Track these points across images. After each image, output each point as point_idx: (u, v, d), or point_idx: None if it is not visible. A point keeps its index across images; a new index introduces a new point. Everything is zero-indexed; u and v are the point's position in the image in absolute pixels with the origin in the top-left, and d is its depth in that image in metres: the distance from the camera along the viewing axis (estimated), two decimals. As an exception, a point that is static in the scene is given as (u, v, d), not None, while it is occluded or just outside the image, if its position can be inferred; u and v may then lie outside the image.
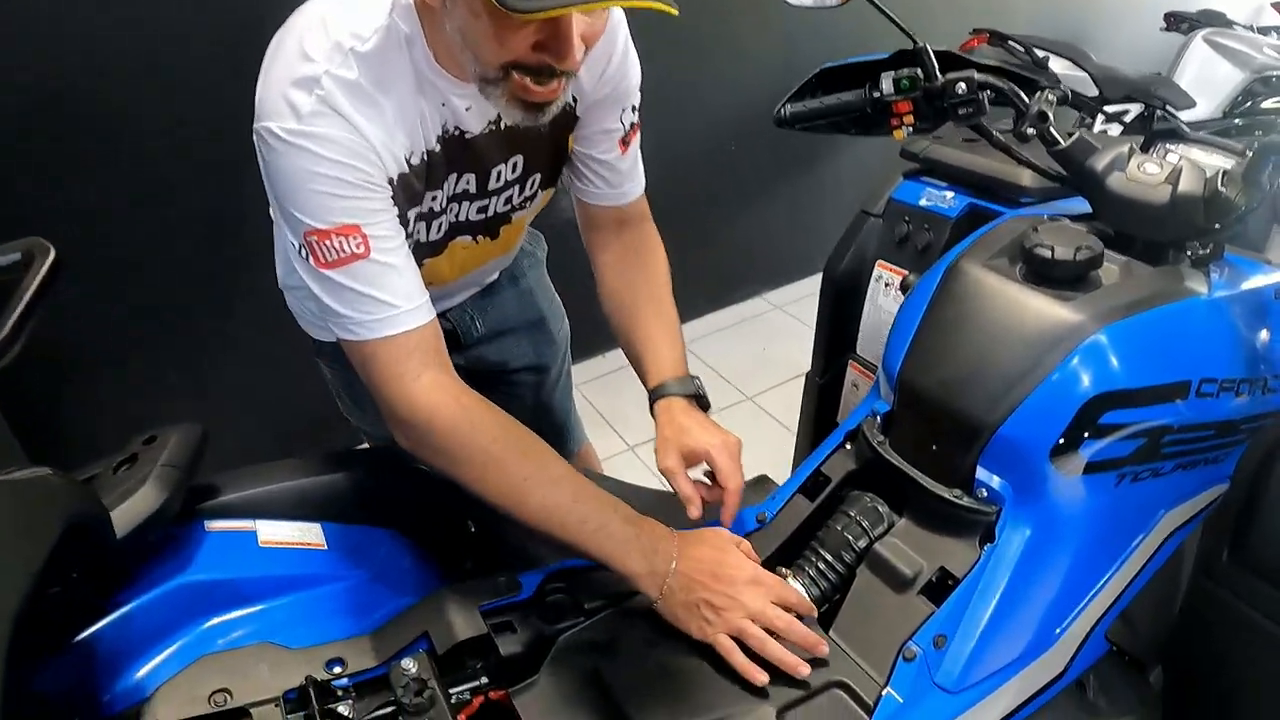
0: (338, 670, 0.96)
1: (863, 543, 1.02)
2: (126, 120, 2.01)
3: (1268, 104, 2.60)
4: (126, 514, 0.96)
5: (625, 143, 1.22)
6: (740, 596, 0.96)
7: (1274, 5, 3.29)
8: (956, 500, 0.97)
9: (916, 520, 1.01)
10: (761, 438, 2.58)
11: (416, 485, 1.15)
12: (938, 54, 1.12)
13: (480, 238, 1.24)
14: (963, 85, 1.08)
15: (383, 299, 0.97)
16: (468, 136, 1.07)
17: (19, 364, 2.08)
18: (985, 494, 0.97)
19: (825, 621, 1.00)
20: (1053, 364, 0.92)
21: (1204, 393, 0.97)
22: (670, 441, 1.14)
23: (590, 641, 1.01)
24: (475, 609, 1.00)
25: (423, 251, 1.16)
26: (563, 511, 1.00)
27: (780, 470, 1.21)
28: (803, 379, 1.84)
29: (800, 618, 0.98)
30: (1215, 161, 1.09)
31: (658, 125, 2.87)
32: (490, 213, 1.20)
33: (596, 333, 1.33)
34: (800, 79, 1.25)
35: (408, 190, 1.03)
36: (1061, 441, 0.92)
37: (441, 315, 1.39)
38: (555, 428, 1.73)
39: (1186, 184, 0.99)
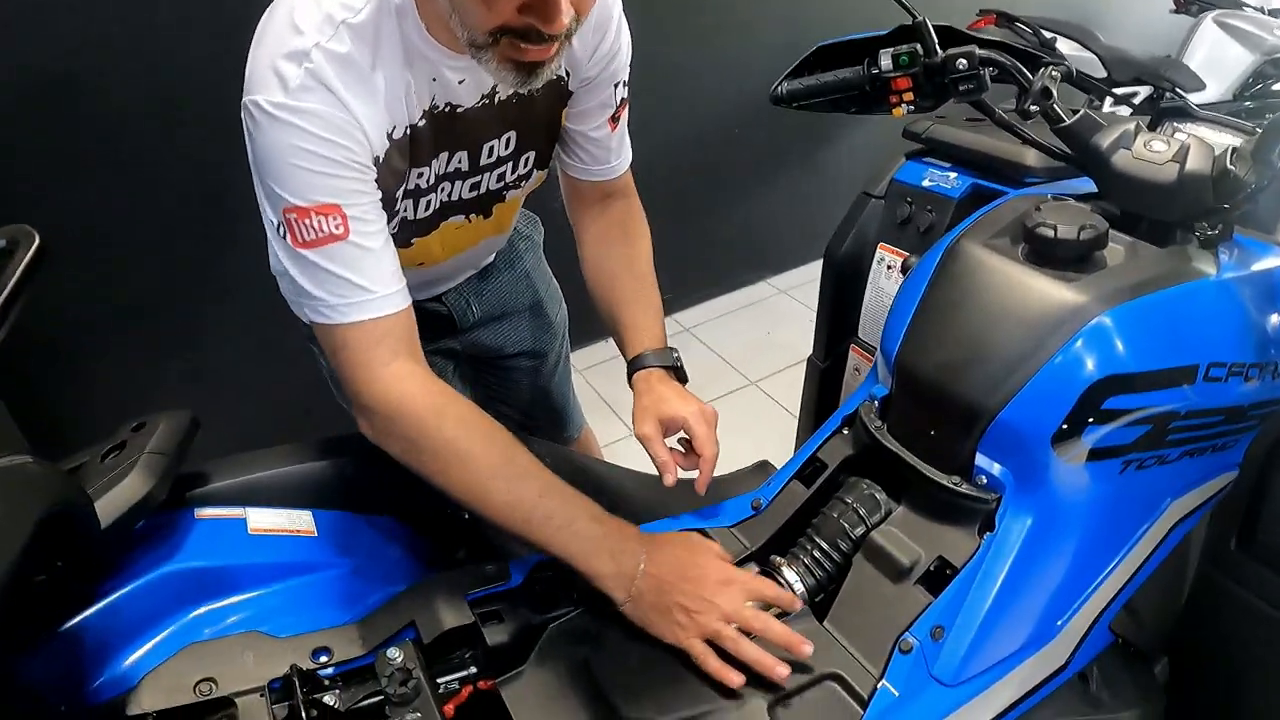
0: (324, 659, 0.96)
1: (859, 531, 1.00)
2: (123, 107, 1.99)
3: (1279, 86, 2.56)
4: (112, 502, 0.95)
5: (615, 119, 1.22)
6: (714, 598, 0.93)
7: None
8: (955, 487, 0.95)
9: (914, 508, 0.99)
10: (765, 423, 2.57)
11: (409, 472, 1.14)
12: (938, 29, 1.09)
13: (473, 216, 1.23)
14: (963, 61, 1.05)
15: (358, 283, 0.95)
16: (459, 110, 1.05)
17: (19, 351, 2.09)
18: (985, 481, 0.94)
19: (820, 611, 0.98)
20: (1055, 347, 0.89)
21: (1212, 377, 0.94)
22: (648, 409, 1.16)
23: (579, 631, 1.00)
24: (463, 598, 0.99)
25: (412, 230, 1.16)
26: (527, 507, 0.97)
27: (783, 456, 1.20)
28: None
29: (782, 615, 0.96)
30: (1224, 140, 1.06)
31: (662, 108, 2.90)
32: (483, 190, 1.19)
33: (598, 318, 1.33)
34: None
35: (391, 167, 1.01)
36: (1064, 427, 0.89)
37: (437, 299, 1.41)
38: (554, 413, 1.72)
39: (1194, 162, 0.96)
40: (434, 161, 1.09)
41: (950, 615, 0.91)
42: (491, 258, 1.47)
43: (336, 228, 0.93)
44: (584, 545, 0.97)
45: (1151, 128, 1.15)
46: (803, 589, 1.00)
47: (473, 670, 0.98)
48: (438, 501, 1.17)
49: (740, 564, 1.05)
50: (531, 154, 1.19)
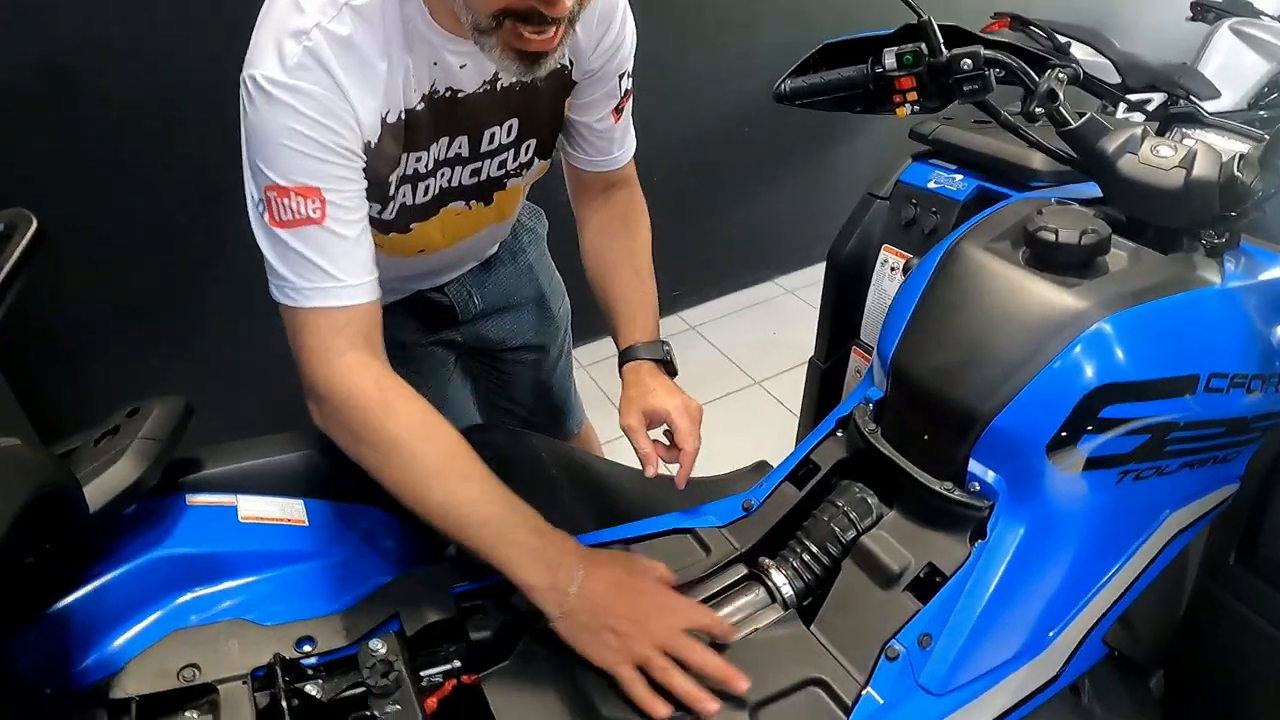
0: (308, 649, 0.95)
1: (850, 535, 0.99)
2: (123, 104, 2.00)
3: (1294, 95, 2.53)
4: (103, 486, 0.95)
5: (619, 110, 1.21)
6: (647, 623, 0.90)
7: None
8: (947, 494, 0.93)
9: (906, 513, 0.97)
10: (767, 423, 2.56)
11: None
12: (944, 29, 1.08)
13: (474, 203, 1.22)
14: (968, 61, 1.04)
15: (327, 269, 0.94)
16: (460, 95, 1.05)
17: (20, 341, 2.09)
18: (978, 488, 0.93)
19: (808, 616, 0.96)
20: (1052, 353, 0.87)
21: (1213, 388, 0.92)
22: (633, 401, 1.16)
23: None
24: (448, 592, 0.98)
25: (411, 215, 1.15)
26: (465, 510, 0.95)
27: (784, 457, 1.19)
28: (810, 365, 1.81)
29: (773, 618, 0.95)
30: (1233, 146, 1.04)
31: (671, 106, 2.89)
32: (483, 176, 1.18)
33: (600, 312, 1.33)
34: (813, 59, 1.21)
35: (384, 152, 1.01)
36: (1059, 435, 0.88)
37: (439, 290, 1.41)
38: (555, 407, 1.72)
39: (1201, 168, 0.94)
40: (433, 146, 1.08)
41: (939, 623, 0.89)
42: (495, 248, 1.46)
43: (314, 211, 0.92)
44: (519, 555, 0.93)
45: (1160, 133, 1.13)
46: (791, 592, 0.99)
47: (457, 664, 0.96)
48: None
49: (728, 565, 1.04)
50: (533, 142, 1.19)
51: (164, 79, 2.00)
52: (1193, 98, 1.47)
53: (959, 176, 1.47)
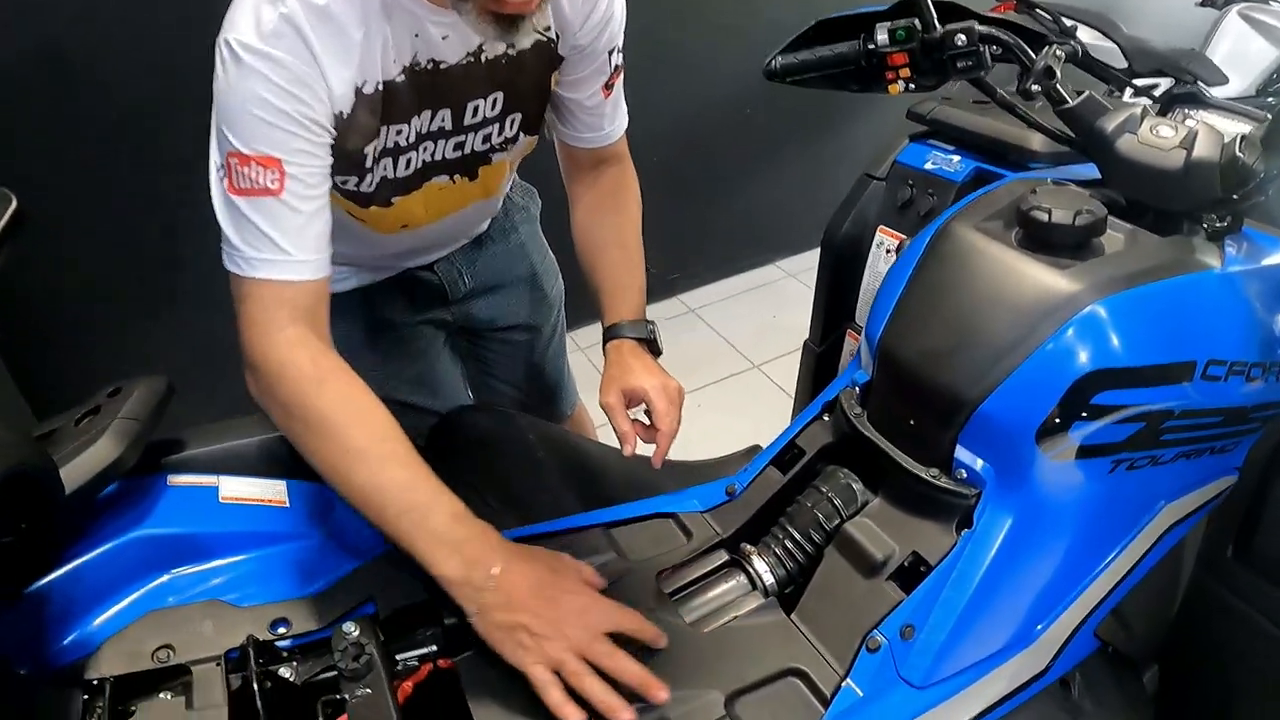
0: (282, 631, 0.95)
1: (834, 522, 0.96)
2: (109, 69, 2.00)
3: (1303, 81, 2.48)
4: (81, 466, 0.95)
5: (609, 86, 1.21)
6: (564, 625, 0.86)
7: None
8: (933, 480, 0.91)
9: (891, 500, 0.95)
10: (765, 407, 2.56)
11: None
12: (939, 5, 1.05)
13: (458, 177, 1.21)
14: (962, 37, 1.01)
15: (278, 241, 0.94)
16: (443, 67, 1.04)
17: (19, 318, 2.09)
18: (965, 475, 0.90)
19: (789, 604, 0.94)
20: (1043, 337, 0.84)
21: (1211, 375, 0.89)
22: (614, 380, 1.17)
23: None
24: (423, 575, 0.96)
25: (393, 188, 1.14)
26: (387, 495, 0.92)
27: (780, 441, 1.19)
28: (808, 348, 1.79)
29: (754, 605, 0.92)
30: (1237, 128, 1.01)
31: (674, 87, 2.86)
32: (467, 150, 1.17)
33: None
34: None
35: (358, 124, 1.00)
36: (1049, 422, 0.85)
37: (428, 268, 1.40)
38: (547, 388, 1.71)
39: (1202, 149, 0.91)
40: (414, 119, 1.07)
41: (922, 614, 0.87)
42: (484, 226, 1.45)
43: (272, 182, 0.92)
44: (435, 546, 0.90)
45: (1162, 114, 1.10)
46: (772, 580, 0.97)
47: (434, 649, 0.95)
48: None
49: (709, 551, 1.02)
50: (518, 116, 1.17)
51: (149, 54, 1.99)
52: (1201, 83, 1.44)
53: (956, 157, 1.44)
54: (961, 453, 0.90)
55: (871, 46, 1.07)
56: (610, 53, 1.17)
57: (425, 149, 1.12)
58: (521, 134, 1.21)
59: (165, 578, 0.99)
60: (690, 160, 3.01)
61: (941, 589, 0.87)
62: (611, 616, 0.89)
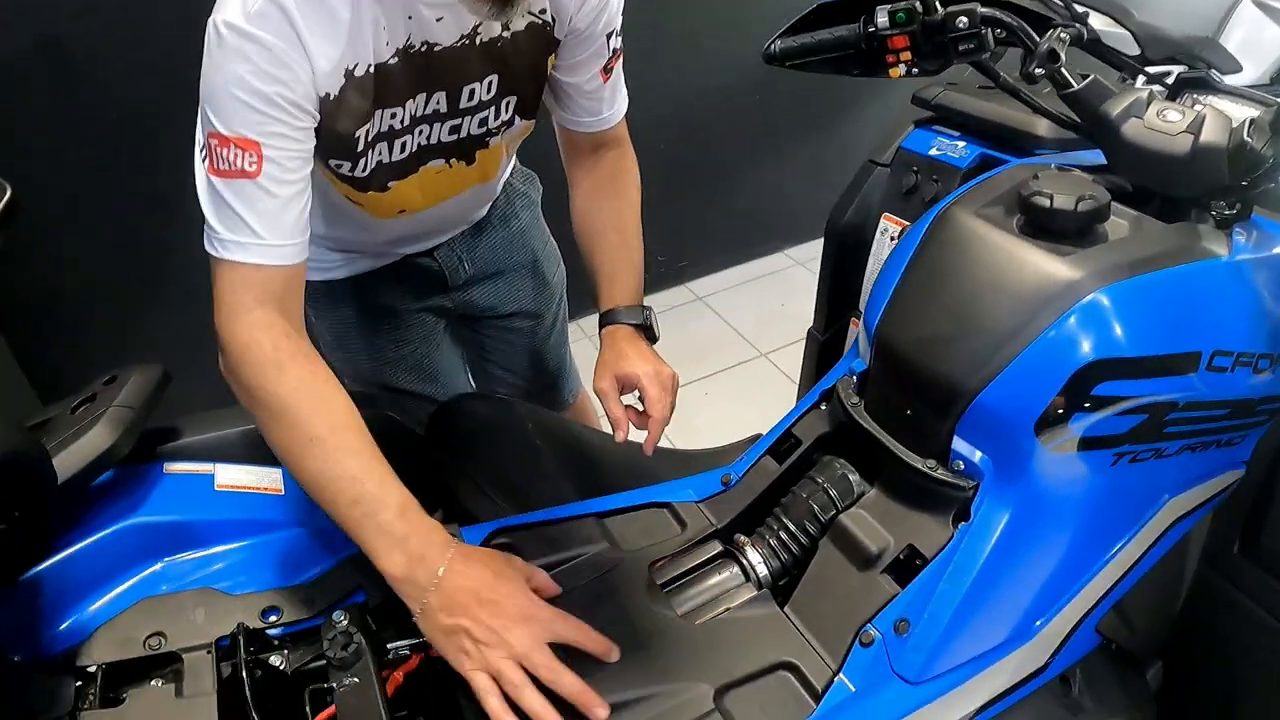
0: (273, 619, 0.95)
1: (829, 513, 0.95)
2: (109, 68, 2.00)
3: (1317, 69, 2.44)
4: (75, 454, 0.96)
5: (608, 70, 1.20)
6: (505, 633, 0.84)
7: None
8: (930, 472, 0.89)
9: (887, 492, 0.94)
10: (771, 395, 2.54)
11: (382, 432, 1.12)
12: None
13: (454, 161, 1.20)
14: (964, 19, 0.98)
15: (252, 225, 0.93)
16: (437, 49, 1.03)
17: (26, 306, 2.10)
18: (962, 467, 0.89)
19: (783, 597, 0.93)
20: (1043, 325, 0.82)
21: (1216, 366, 0.87)
22: (608, 365, 1.17)
23: None
24: None
25: (388, 173, 1.13)
26: (338, 485, 0.90)
27: (782, 431, 1.17)
28: (814, 337, 1.78)
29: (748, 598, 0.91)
30: (1247, 113, 0.98)
31: (682, 73, 2.84)
32: (463, 134, 1.16)
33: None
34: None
35: (348, 107, 0.99)
36: (1049, 413, 0.83)
37: (428, 254, 1.40)
38: (549, 376, 1.70)
39: (1210, 134, 0.88)
40: (409, 102, 1.06)
41: (917, 608, 0.86)
42: (484, 212, 1.44)
43: (250, 165, 0.91)
44: (380, 541, 0.89)
45: (1171, 99, 1.07)
46: (765, 572, 0.95)
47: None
48: (409, 461, 1.16)
49: (703, 542, 1.01)
50: (514, 99, 1.16)
51: (150, 53, 1.99)
52: (1214, 71, 1.41)
53: (961, 143, 1.43)
54: (959, 444, 0.88)
55: (872, 29, 1.04)
56: (608, 36, 1.16)
57: (420, 132, 1.12)
58: (517, 117, 1.19)
59: (159, 565, 1.00)
60: (697, 147, 2.99)
61: (937, 583, 0.86)
62: (553, 627, 0.87)
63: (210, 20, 0.90)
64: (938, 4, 1.00)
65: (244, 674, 0.87)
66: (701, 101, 2.93)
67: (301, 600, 0.97)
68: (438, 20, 1.00)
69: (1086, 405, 0.83)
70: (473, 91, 1.11)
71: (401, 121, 1.08)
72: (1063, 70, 0.95)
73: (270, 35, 0.88)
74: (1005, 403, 0.84)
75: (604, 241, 1.29)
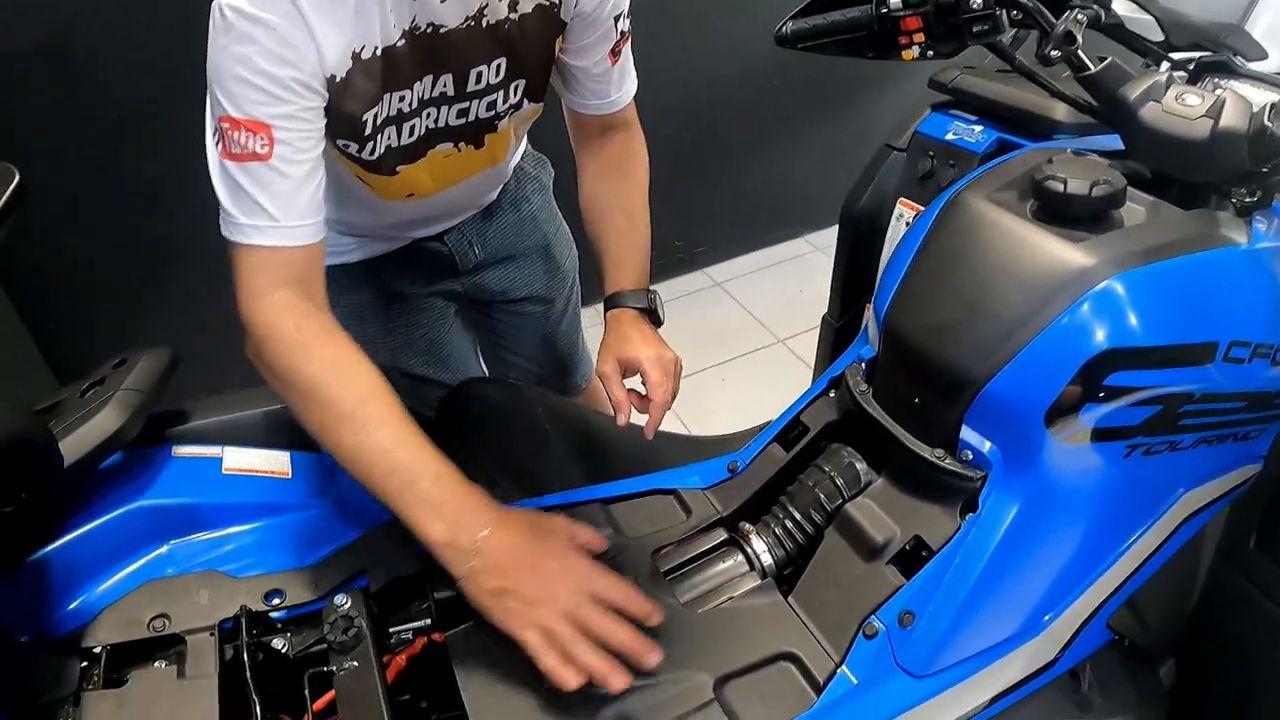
0: (276, 602, 0.96)
1: (835, 502, 0.94)
2: (110, 67, 2.00)
3: (1343, 56, 2.38)
4: (83, 436, 0.97)
5: (616, 52, 1.19)
6: (552, 589, 0.85)
7: None
8: (937, 461, 0.88)
9: (894, 481, 0.92)
10: (789, 381, 2.51)
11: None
12: None
13: (463, 145, 1.20)
14: (978, 0, 0.96)
15: (266, 207, 0.93)
16: (442, 30, 1.02)
17: (44, 287, 2.12)
18: (970, 457, 0.87)
19: (788, 586, 0.92)
20: (1055, 312, 0.80)
21: (1233, 358, 0.85)
22: (611, 348, 1.17)
23: None
24: (415, 548, 0.95)
25: (397, 157, 1.13)
26: (374, 456, 0.91)
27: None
28: (833, 323, 1.76)
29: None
30: (1268, 98, 0.95)
31: (699, 59, 2.83)
32: (471, 117, 1.16)
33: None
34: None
35: (355, 90, 0.99)
36: (1059, 403, 0.81)
37: (438, 239, 1.40)
38: (561, 361, 1.69)
39: (1229, 118, 0.85)
40: (417, 85, 1.06)
41: (922, 600, 0.84)
42: (494, 196, 1.43)
43: (261, 147, 0.91)
44: (422, 508, 0.89)
45: (1191, 83, 1.05)
46: (770, 561, 0.95)
47: (428, 622, 0.95)
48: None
49: (708, 529, 1.00)
50: (522, 82, 1.16)
51: (150, 53, 1.99)
52: (1239, 58, 1.38)
53: (978, 128, 1.41)
54: (968, 433, 0.87)
55: (884, 10, 1.02)
56: (616, 19, 1.15)
57: (428, 115, 1.11)
58: (526, 101, 1.19)
59: (166, 548, 1.01)
60: (712, 131, 2.97)
61: (943, 575, 0.85)
62: (598, 582, 0.87)
63: (214, 4, 0.90)
64: None
65: (245, 656, 0.87)
66: (713, 85, 2.91)
67: (305, 583, 0.97)
68: (442, 1, 1.00)
69: (1099, 395, 0.81)
70: (480, 74, 1.10)
71: (410, 105, 1.07)
72: (1079, 53, 0.93)
73: (275, 17, 0.88)
74: (1015, 392, 0.82)
75: (611, 224, 1.29)
